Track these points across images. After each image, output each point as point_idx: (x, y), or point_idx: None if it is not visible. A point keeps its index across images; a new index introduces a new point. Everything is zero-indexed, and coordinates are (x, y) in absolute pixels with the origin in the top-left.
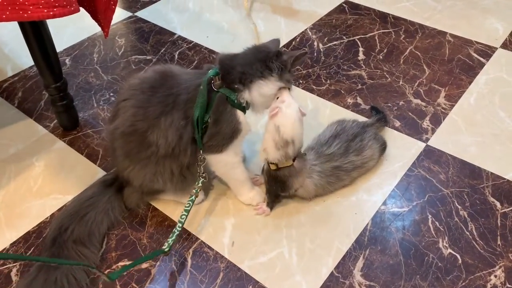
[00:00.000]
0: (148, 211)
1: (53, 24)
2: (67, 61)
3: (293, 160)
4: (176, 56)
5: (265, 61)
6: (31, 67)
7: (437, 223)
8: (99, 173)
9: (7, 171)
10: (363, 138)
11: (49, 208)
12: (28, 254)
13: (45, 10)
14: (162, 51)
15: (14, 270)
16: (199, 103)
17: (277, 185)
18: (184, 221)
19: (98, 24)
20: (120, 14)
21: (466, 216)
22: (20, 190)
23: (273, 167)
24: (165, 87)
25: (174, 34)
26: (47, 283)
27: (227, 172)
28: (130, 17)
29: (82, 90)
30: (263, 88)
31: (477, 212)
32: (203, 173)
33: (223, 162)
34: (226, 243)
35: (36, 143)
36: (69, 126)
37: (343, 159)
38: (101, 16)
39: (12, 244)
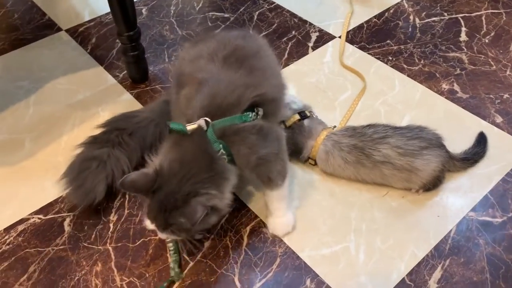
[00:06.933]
0: None
1: None
2: (143, 11)
3: (302, 118)
4: (255, 16)
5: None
6: (107, 14)
7: None
8: None
9: (72, 117)
10: (427, 147)
11: None
12: None
13: None
14: (241, 10)
15: (68, 220)
16: None
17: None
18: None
19: None
20: None
21: None
22: (81, 138)
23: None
24: None
25: None
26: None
27: None
28: None
29: (155, 43)
30: None
31: None
32: None
33: None
34: None
35: (104, 92)
36: (137, 79)
37: (370, 144)
38: None
39: None
